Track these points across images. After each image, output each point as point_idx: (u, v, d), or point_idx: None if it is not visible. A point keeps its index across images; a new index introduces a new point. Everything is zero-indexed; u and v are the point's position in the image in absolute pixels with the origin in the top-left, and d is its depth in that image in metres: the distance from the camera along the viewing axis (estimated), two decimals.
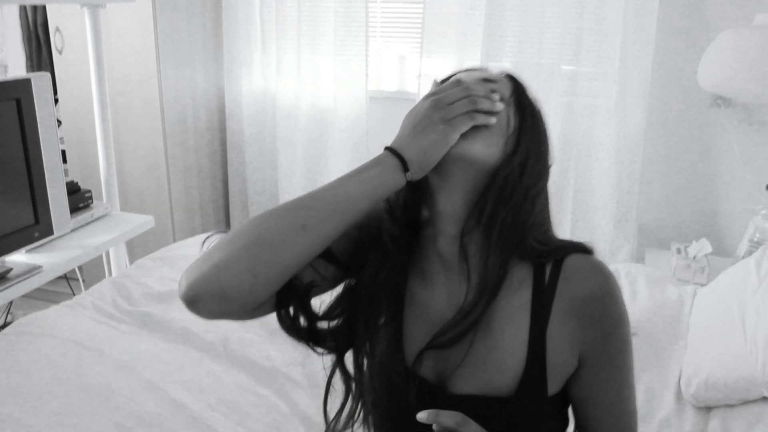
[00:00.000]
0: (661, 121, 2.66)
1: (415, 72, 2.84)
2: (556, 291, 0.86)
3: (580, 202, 2.72)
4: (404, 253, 0.93)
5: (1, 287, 1.78)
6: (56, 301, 1.93)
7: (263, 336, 1.76)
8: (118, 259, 2.39)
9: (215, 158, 3.14)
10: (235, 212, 3.21)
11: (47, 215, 1.94)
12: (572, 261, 0.87)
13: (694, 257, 2.47)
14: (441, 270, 0.91)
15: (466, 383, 0.88)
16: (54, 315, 1.77)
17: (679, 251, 2.53)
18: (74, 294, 2.54)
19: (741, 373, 1.46)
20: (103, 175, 2.32)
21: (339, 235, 0.82)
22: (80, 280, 2.49)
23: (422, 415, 0.77)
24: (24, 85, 1.85)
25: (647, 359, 1.65)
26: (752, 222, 2.46)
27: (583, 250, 0.89)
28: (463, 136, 0.82)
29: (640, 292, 1.92)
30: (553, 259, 0.88)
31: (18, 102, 1.84)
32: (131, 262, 2.41)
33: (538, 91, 2.71)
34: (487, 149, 0.84)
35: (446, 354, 0.88)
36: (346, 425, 0.96)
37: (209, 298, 0.77)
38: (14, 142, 1.84)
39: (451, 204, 0.87)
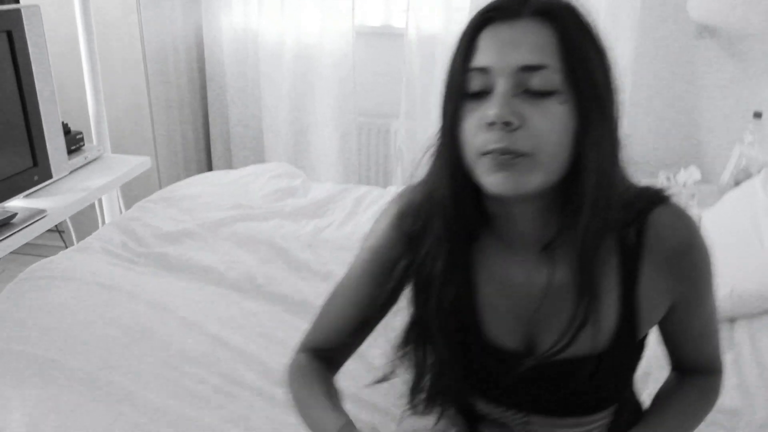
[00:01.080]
0: (649, 51, 2.69)
1: (403, 5, 2.79)
2: (644, 249, 0.84)
3: None
4: (462, 238, 0.86)
5: (7, 233, 1.70)
6: (46, 255, 1.84)
7: (288, 271, 1.74)
8: (111, 204, 2.31)
9: (196, 98, 3.04)
10: (216, 153, 3.13)
11: (45, 157, 1.85)
12: (656, 217, 0.84)
13: (684, 184, 2.54)
14: (516, 245, 0.87)
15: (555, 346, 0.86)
16: (66, 260, 1.70)
17: (668, 179, 2.59)
18: (66, 245, 2.45)
19: (764, 284, 1.53)
20: (92, 117, 2.22)
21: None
22: (71, 229, 2.40)
23: None
24: (14, 16, 1.74)
25: None
26: (737, 149, 2.53)
27: (661, 199, 0.86)
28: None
29: None
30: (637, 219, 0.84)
31: (9, 34, 1.73)
32: (123, 206, 2.33)
33: None
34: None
35: (535, 321, 0.87)
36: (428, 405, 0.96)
37: None
38: (8, 78, 1.73)
39: (527, 224, 0.85)
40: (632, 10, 2.55)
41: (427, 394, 0.94)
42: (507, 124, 0.73)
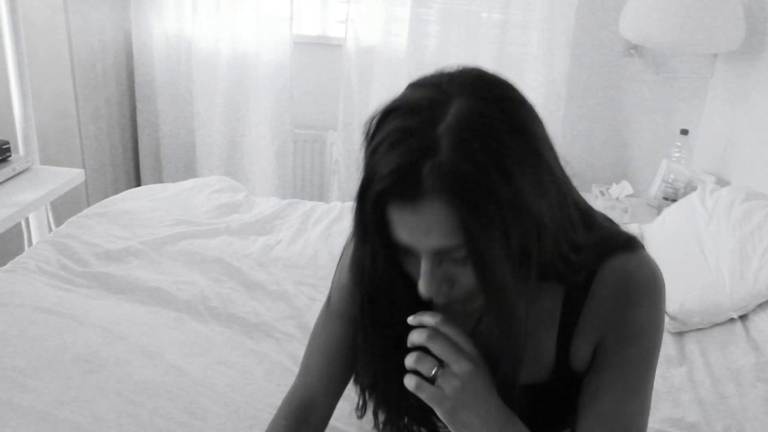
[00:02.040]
0: (582, 70, 2.78)
1: (342, 16, 2.76)
2: (588, 293, 0.83)
3: None
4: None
5: None
6: None
7: (241, 291, 1.69)
8: (40, 220, 2.17)
9: (125, 107, 2.91)
10: (145, 165, 3.00)
11: None
12: (604, 273, 0.82)
13: (617, 198, 2.63)
14: None
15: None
16: (1, 282, 1.58)
17: (602, 193, 2.68)
18: None
19: (711, 299, 1.60)
20: (19, 125, 2.08)
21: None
22: None
23: (410, 318, 0.78)
24: None
25: None
26: (664, 163, 2.65)
27: (627, 248, 0.83)
28: None
29: None
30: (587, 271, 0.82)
31: None
32: (53, 222, 2.20)
33: (467, 39, 2.74)
34: None
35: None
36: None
37: None
38: None
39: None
40: (566, 28, 2.63)
41: (389, 413, 0.94)
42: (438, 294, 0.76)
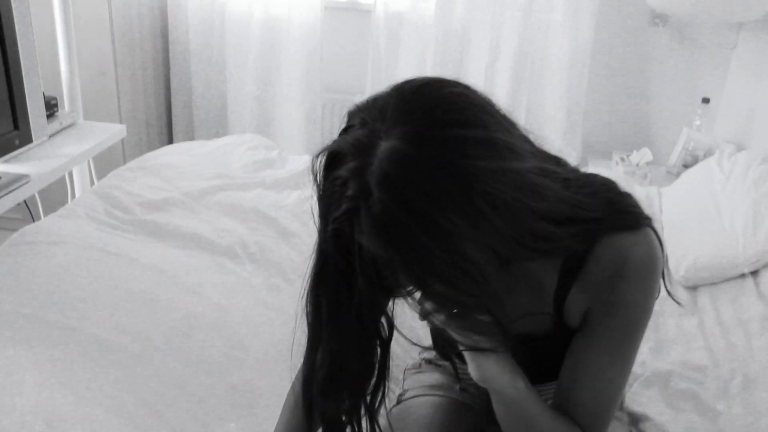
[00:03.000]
0: (606, 37, 2.82)
1: None
2: (579, 273, 0.88)
3: (532, 113, 2.86)
4: None
5: None
6: (10, 229, 1.79)
7: (277, 238, 1.79)
8: (82, 173, 2.28)
9: (159, 67, 3.00)
10: (178, 126, 3.10)
11: (26, 122, 1.82)
12: (602, 247, 0.86)
13: (637, 164, 2.70)
14: None
15: (517, 326, 0.93)
16: (53, 225, 1.70)
17: (622, 159, 2.75)
18: (33, 219, 2.40)
19: (724, 256, 1.67)
20: (65, 83, 2.18)
21: None
22: (38, 200, 2.35)
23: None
24: None
25: None
26: (685, 132, 2.70)
27: (631, 226, 0.86)
28: None
29: None
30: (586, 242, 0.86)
31: None
32: (95, 175, 2.31)
33: (494, 5, 2.79)
34: None
35: None
36: None
37: None
38: None
39: None
40: None
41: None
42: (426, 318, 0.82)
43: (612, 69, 2.87)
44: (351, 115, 0.77)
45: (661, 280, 0.90)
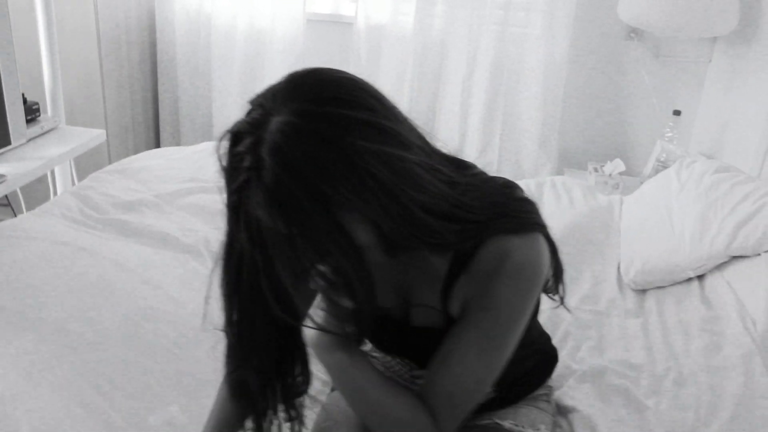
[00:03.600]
0: (582, 51, 2.88)
1: None
2: (470, 264, 0.91)
3: (508, 125, 2.92)
4: None
5: None
6: None
7: None
8: (64, 175, 2.36)
9: (147, 76, 3.09)
10: (165, 131, 3.19)
11: (4, 124, 1.90)
12: (488, 246, 0.89)
13: (610, 175, 2.75)
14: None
15: (417, 320, 1.02)
16: (27, 223, 1.77)
17: (596, 170, 2.80)
18: (15, 214, 2.49)
19: (671, 260, 1.72)
20: (48, 87, 2.26)
21: None
22: (20, 200, 2.43)
23: None
24: None
25: (590, 254, 1.89)
26: (659, 144, 2.76)
27: (517, 229, 0.90)
28: None
29: (576, 198, 2.15)
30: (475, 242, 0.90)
31: None
32: (76, 177, 2.38)
33: (471, 19, 2.85)
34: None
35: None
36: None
37: None
38: None
39: None
40: (568, 11, 2.74)
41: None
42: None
43: (587, 82, 2.94)
44: (251, 102, 0.83)
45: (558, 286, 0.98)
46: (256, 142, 0.77)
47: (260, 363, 0.99)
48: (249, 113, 0.82)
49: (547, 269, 0.92)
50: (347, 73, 0.84)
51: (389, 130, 0.80)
